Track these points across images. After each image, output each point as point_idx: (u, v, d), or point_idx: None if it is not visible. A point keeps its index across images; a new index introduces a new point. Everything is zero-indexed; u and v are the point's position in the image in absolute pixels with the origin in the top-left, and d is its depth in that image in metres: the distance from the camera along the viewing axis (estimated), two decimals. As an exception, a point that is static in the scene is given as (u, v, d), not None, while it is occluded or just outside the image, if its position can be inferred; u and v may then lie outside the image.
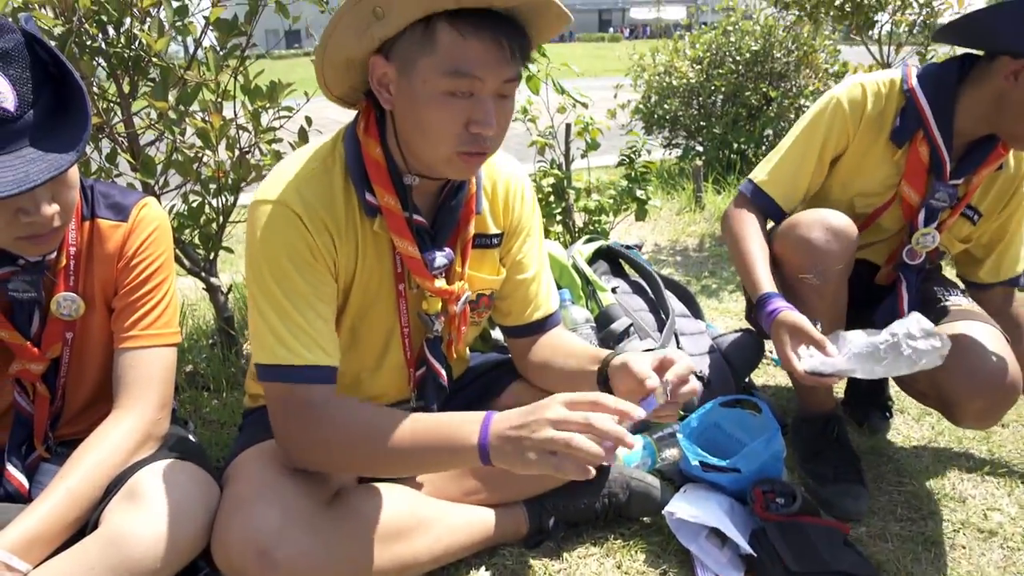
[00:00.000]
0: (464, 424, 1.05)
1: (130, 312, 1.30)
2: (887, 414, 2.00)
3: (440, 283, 1.24)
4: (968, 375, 1.49)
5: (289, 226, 1.12)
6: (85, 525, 1.13)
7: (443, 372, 1.33)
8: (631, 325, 1.81)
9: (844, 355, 1.35)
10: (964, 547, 1.53)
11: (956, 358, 1.47)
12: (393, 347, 1.32)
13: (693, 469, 1.49)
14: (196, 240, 2.14)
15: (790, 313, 1.43)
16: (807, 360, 1.38)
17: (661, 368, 1.14)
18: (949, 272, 1.94)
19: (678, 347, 1.81)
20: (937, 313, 1.66)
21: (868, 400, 2.00)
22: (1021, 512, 1.67)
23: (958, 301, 1.70)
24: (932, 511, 1.63)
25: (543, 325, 1.38)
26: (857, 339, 1.37)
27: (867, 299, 1.73)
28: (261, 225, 1.13)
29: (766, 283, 1.53)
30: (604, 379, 1.22)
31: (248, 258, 1.15)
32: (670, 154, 5.60)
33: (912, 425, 2.01)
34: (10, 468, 1.25)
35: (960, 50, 1.57)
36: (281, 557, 1.07)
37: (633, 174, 2.96)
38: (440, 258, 1.23)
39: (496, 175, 1.34)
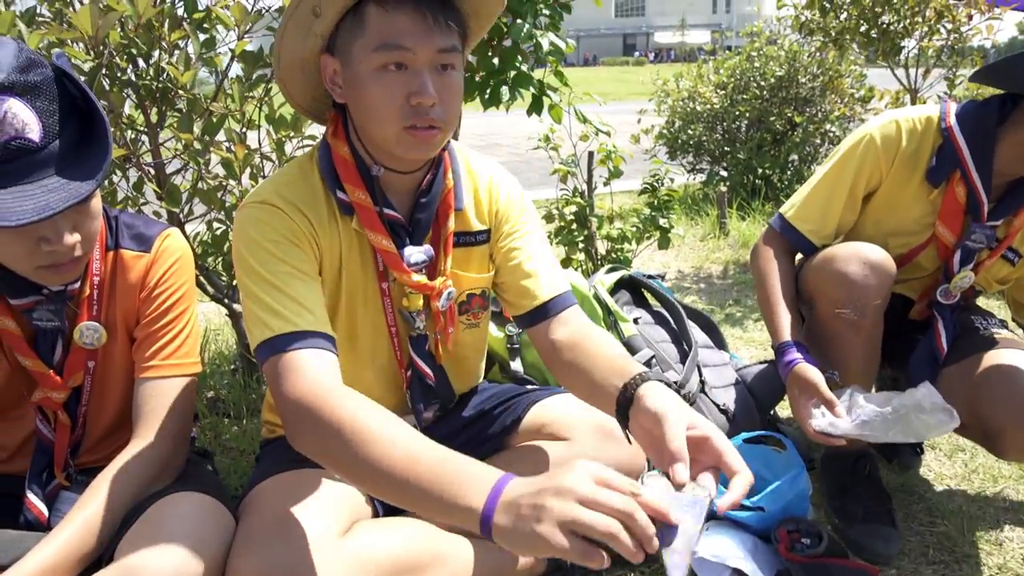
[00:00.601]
0: (473, 476, 0.88)
1: (151, 342, 1.31)
2: (918, 450, 1.94)
3: (418, 277, 1.26)
4: (1013, 405, 1.44)
5: (270, 216, 1.17)
6: (101, 556, 1.13)
7: (429, 371, 1.34)
8: (653, 357, 1.79)
9: (853, 420, 1.37)
10: (1001, 593, 1.48)
11: (1000, 387, 1.44)
12: (382, 347, 1.33)
13: (714, 507, 1.45)
14: (220, 268, 2.16)
15: (805, 367, 1.44)
16: (818, 419, 1.40)
17: (697, 447, 0.94)
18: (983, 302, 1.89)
19: (700, 379, 1.78)
20: (977, 343, 1.62)
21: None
22: (1061, 555, 1.61)
23: (998, 331, 1.66)
24: (966, 554, 1.58)
25: (546, 311, 1.32)
26: (869, 403, 1.38)
27: (899, 332, 1.69)
28: (243, 227, 1.17)
29: (786, 330, 1.54)
30: (625, 405, 1.09)
31: (236, 262, 1.18)
32: (694, 179, 5.58)
33: (944, 462, 1.96)
34: (30, 496, 1.25)
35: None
36: (299, 593, 1.05)
37: (656, 202, 2.95)
38: (417, 254, 1.26)
39: (476, 174, 1.37)
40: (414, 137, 1.12)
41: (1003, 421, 1.46)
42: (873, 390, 1.64)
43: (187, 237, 1.99)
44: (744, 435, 1.62)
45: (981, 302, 1.87)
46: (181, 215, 1.97)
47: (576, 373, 1.25)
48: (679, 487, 0.87)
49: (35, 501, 1.25)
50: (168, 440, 1.27)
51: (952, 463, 1.95)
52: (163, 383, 1.30)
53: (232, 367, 2.35)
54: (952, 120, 1.54)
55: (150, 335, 1.31)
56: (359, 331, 1.32)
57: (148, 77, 1.83)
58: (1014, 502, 1.79)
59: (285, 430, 1.07)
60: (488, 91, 2.26)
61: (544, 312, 1.33)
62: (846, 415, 1.38)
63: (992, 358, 1.54)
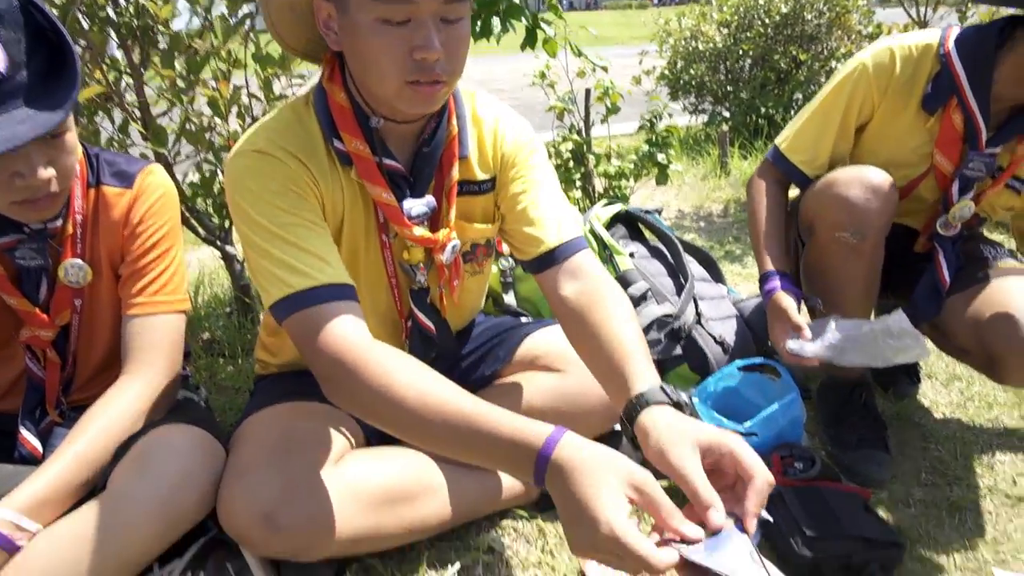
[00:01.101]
0: (528, 427, 0.89)
1: (137, 279, 1.30)
2: (915, 379, 1.94)
3: (420, 231, 1.21)
4: (1016, 330, 1.43)
5: (269, 166, 1.10)
6: (95, 488, 1.14)
7: (430, 325, 1.30)
8: (648, 290, 1.78)
9: (822, 342, 1.40)
10: (990, 512, 1.49)
11: (1003, 314, 1.42)
12: (381, 300, 1.29)
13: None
14: (210, 210, 2.14)
15: (781, 295, 1.49)
16: (791, 341, 1.44)
17: (712, 453, 0.89)
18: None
19: (697, 311, 1.76)
20: (983, 272, 1.59)
21: (896, 366, 1.94)
22: (1052, 478, 1.61)
23: (1006, 260, 1.63)
24: (958, 476, 1.59)
25: (553, 257, 1.24)
26: (842, 329, 1.41)
27: (904, 264, 1.67)
28: (239, 176, 1.11)
29: (771, 260, 1.56)
30: (630, 422, 1.00)
31: (234, 214, 1.12)
32: (696, 120, 5.48)
33: (940, 390, 1.96)
34: (23, 432, 1.27)
35: (1004, 11, 1.49)
36: (284, 521, 1.07)
37: (654, 138, 2.90)
38: (419, 206, 1.20)
39: (480, 120, 1.29)
40: (416, 93, 1.04)
41: (1005, 347, 1.44)
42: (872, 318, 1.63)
43: (176, 180, 1.97)
44: (739, 362, 1.62)
45: (991, 234, 1.83)
46: (169, 156, 1.94)
47: (583, 351, 1.18)
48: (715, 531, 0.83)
49: (28, 437, 1.27)
50: (158, 375, 1.27)
51: (948, 391, 1.95)
52: (151, 320, 1.30)
53: (227, 310, 2.35)
54: (950, 45, 1.49)
55: (136, 272, 1.31)
56: (359, 283, 1.24)
57: (128, 15, 1.78)
58: (1007, 427, 1.79)
59: (321, 385, 1.03)
60: (479, 23, 2.20)
61: (551, 259, 1.24)
62: (817, 338, 1.42)
63: (997, 286, 1.52)
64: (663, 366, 1.73)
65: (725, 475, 0.90)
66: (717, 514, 0.83)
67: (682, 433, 0.90)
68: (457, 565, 1.26)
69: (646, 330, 1.71)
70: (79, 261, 1.27)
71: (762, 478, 0.86)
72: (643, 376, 1.03)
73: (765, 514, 1.33)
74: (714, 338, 1.73)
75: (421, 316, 1.30)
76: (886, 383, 1.91)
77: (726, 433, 0.91)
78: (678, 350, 1.71)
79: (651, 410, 0.97)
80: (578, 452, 0.84)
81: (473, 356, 1.47)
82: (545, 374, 1.40)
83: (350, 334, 1.01)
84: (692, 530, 0.81)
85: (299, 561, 1.14)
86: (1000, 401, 1.90)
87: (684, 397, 0.99)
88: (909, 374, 1.93)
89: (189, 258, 3.06)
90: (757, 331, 1.88)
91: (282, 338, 1.36)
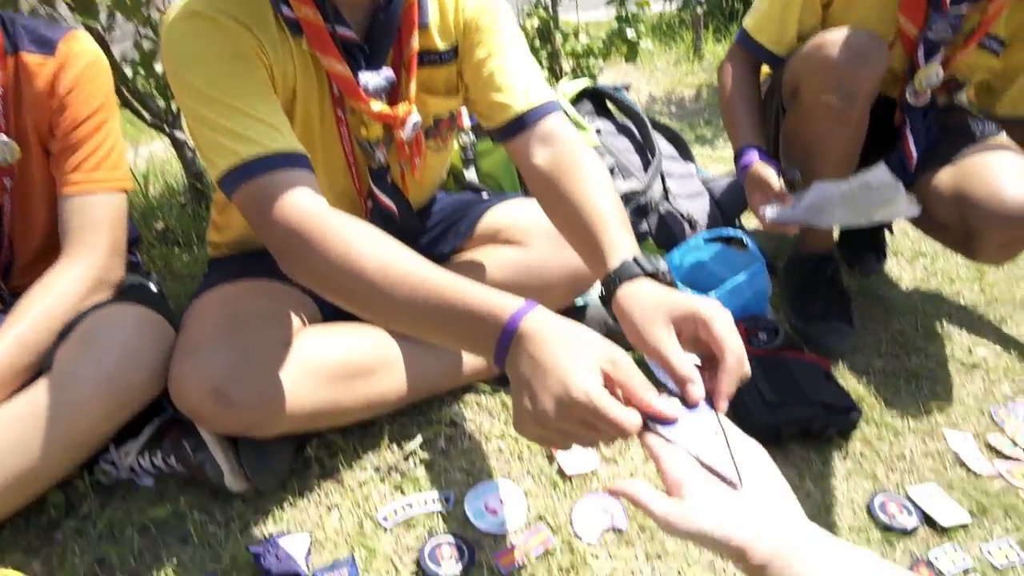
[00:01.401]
0: (495, 298, 0.79)
1: (70, 154, 1.22)
2: (881, 256, 1.94)
3: (378, 106, 1.12)
4: (998, 203, 1.39)
5: (208, 30, 0.99)
6: (40, 371, 1.10)
7: (391, 205, 1.24)
8: (615, 165, 1.72)
9: (803, 204, 1.38)
10: (945, 380, 1.52)
11: (986, 185, 1.39)
12: (339, 177, 1.22)
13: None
14: (154, 91, 2.02)
15: (761, 165, 1.46)
16: (771, 210, 1.42)
17: (688, 323, 0.81)
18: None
19: (664, 188, 1.72)
20: (967, 144, 1.54)
21: (863, 243, 1.93)
22: (1006, 347, 1.64)
23: (995, 135, 1.59)
24: (917, 347, 1.61)
25: (522, 122, 1.15)
26: (822, 188, 1.38)
27: (883, 140, 1.62)
28: (176, 42, 1.00)
29: (744, 135, 1.54)
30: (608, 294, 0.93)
31: (174, 85, 1.02)
32: (671, 6, 5.27)
33: (905, 267, 1.96)
34: (-38, 316, 1.21)
35: None
36: (235, 396, 1.04)
37: (624, 14, 2.76)
38: (376, 79, 1.11)
39: None
40: None
41: (985, 221, 1.41)
42: None
43: (113, 59, 1.84)
44: (704, 234, 1.59)
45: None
46: (102, 30, 1.80)
47: (558, 221, 1.10)
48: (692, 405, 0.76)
49: (-33, 322, 1.21)
50: (99, 257, 1.21)
51: (912, 267, 1.96)
52: (90, 199, 1.22)
53: (181, 199, 2.27)
54: None
55: (68, 147, 1.22)
56: (315, 163, 1.14)
57: None
58: (967, 300, 1.81)
59: (277, 260, 0.94)
60: None
61: (520, 125, 1.15)
62: (797, 203, 1.39)
63: (982, 160, 1.47)
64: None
65: (702, 343, 0.82)
66: (696, 388, 0.75)
67: (656, 307, 0.83)
68: (419, 439, 1.26)
69: (611, 205, 1.67)
70: (3, 137, 1.18)
71: (733, 356, 0.77)
72: (619, 248, 0.95)
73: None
74: (682, 215, 1.69)
75: (382, 196, 1.24)
76: (852, 260, 1.91)
77: (702, 302, 0.82)
78: (644, 226, 1.68)
79: (626, 286, 0.89)
80: (549, 323, 0.75)
81: (433, 232, 1.42)
82: (507, 248, 1.36)
83: (306, 203, 0.91)
84: (666, 405, 0.73)
85: (257, 437, 1.12)
86: (962, 276, 1.91)
87: (662, 265, 0.91)
88: (875, 251, 1.93)
89: (140, 151, 2.92)
90: (727, 210, 1.85)
91: (231, 212, 1.30)
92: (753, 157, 1.49)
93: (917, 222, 1.65)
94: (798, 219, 1.40)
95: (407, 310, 0.84)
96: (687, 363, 0.78)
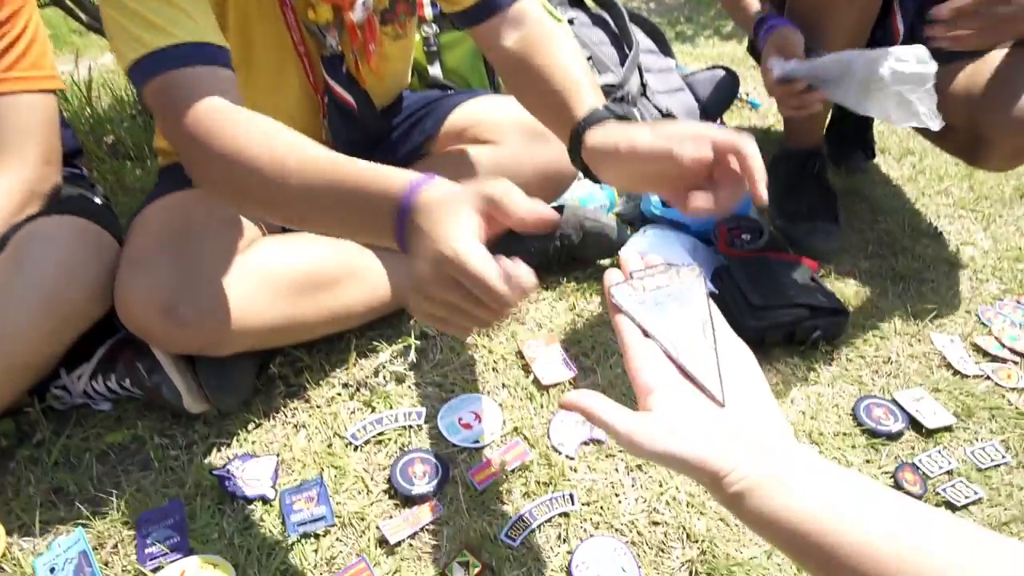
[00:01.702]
0: (391, 173, 0.74)
1: None
2: (869, 154, 1.87)
3: None
4: (1015, 107, 1.31)
5: None
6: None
7: (348, 98, 1.14)
8: (589, 58, 1.61)
9: (816, 64, 1.21)
10: (933, 281, 1.48)
11: (1004, 91, 1.30)
12: (290, 68, 1.11)
13: (653, 207, 1.37)
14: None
15: (790, 30, 1.31)
16: (778, 65, 1.25)
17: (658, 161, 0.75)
18: None
19: (642, 82, 1.62)
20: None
21: (851, 140, 1.85)
22: (994, 246, 1.60)
23: None
24: (904, 247, 1.56)
25: (494, 5, 1.05)
26: (837, 54, 1.21)
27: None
28: None
29: (762, 6, 1.40)
30: (577, 150, 0.89)
31: None
32: None
33: (893, 165, 1.90)
34: None
35: None
36: (188, 314, 0.96)
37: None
38: None
39: None
40: None
41: (997, 127, 1.33)
42: None
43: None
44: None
45: None
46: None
47: (529, 100, 1.04)
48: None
49: None
50: (29, 165, 1.10)
51: (900, 165, 1.89)
52: (12, 101, 1.11)
53: (132, 112, 2.12)
54: None
55: (-25, 44, 1.09)
56: (256, 50, 1.08)
57: None
58: (956, 198, 1.76)
59: (184, 165, 0.86)
60: None
61: (492, 6, 1.05)
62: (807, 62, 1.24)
63: (1004, 62, 1.38)
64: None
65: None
66: (702, 197, 0.71)
67: (631, 138, 0.78)
68: (388, 353, 1.20)
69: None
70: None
71: (744, 143, 0.71)
72: (589, 103, 0.89)
73: (710, 286, 1.29)
74: (660, 111, 1.60)
75: (337, 88, 1.13)
76: (839, 158, 1.84)
77: (670, 138, 0.74)
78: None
79: (596, 128, 0.85)
80: (442, 189, 0.68)
81: (399, 131, 1.31)
82: (477, 147, 1.26)
83: (205, 104, 0.81)
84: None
85: (215, 356, 1.06)
86: (951, 174, 1.85)
87: (634, 112, 0.89)
88: (864, 149, 1.86)
89: (88, 63, 2.73)
90: (706, 105, 1.75)
91: None
92: (781, 20, 1.35)
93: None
94: (807, 74, 1.23)
95: (303, 201, 0.77)
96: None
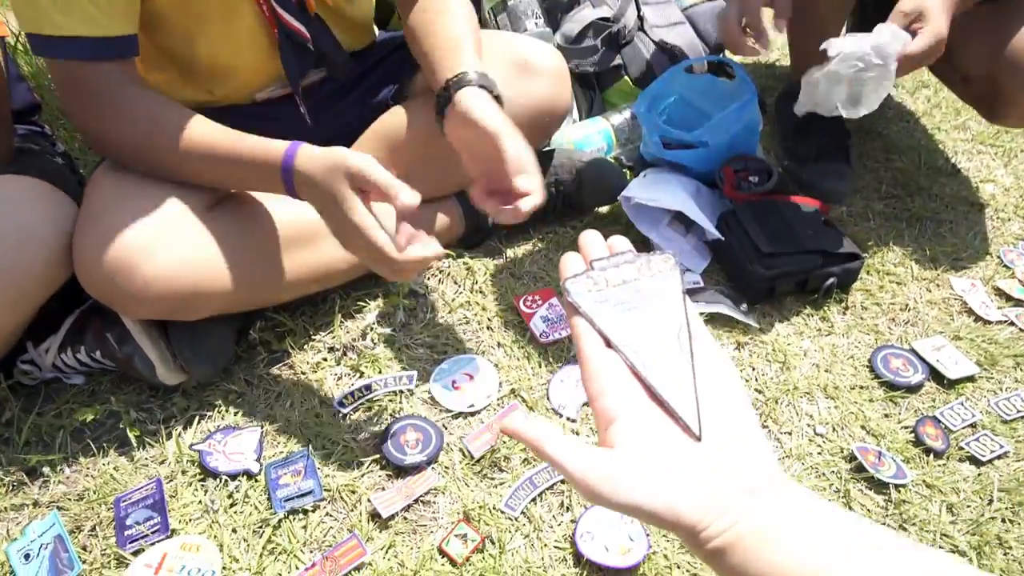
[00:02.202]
0: (269, 143, 0.90)
1: None
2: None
3: None
4: None
5: None
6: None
7: (298, 26, 1.04)
8: (584, -8, 1.50)
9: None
10: (951, 222, 1.40)
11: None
12: (244, 5, 1.01)
13: (654, 148, 1.27)
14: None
15: None
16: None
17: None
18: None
19: (639, 15, 1.50)
20: None
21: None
22: (1016, 183, 1.52)
23: None
24: (920, 187, 1.47)
25: None
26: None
27: None
28: None
29: None
30: (443, 107, 0.96)
31: None
32: None
33: (906, 99, 1.79)
34: None
35: None
36: (152, 273, 0.89)
37: None
38: None
39: None
40: None
41: (1017, 81, 1.24)
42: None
43: None
44: (686, 62, 1.40)
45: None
46: None
47: (415, 41, 1.05)
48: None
49: None
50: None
51: (914, 99, 1.79)
52: None
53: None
54: None
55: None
56: None
57: None
58: (974, 132, 1.67)
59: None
60: None
61: None
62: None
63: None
64: (601, 79, 1.50)
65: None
66: (526, 180, 0.88)
67: (495, 110, 0.91)
68: (376, 313, 1.13)
69: (580, 36, 1.46)
70: None
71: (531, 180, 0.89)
72: (466, 64, 0.96)
73: (715, 232, 1.21)
74: (659, 46, 1.49)
75: (285, 16, 1.03)
76: (849, 93, 1.73)
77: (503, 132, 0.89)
78: (618, 59, 1.48)
79: (467, 90, 0.92)
80: (310, 161, 0.86)
81: (374, 75, 1.21)
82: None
83: (100, 92, 0.91)
84: (409, 196, 0.82)
85: (188, 321, 0.99)
86: (969, 108, 1.75)
87: (502, 92, 0.96)
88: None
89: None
90: (709, 40, 1.64)
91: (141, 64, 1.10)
92: None
93: (936, 71, 1.46)
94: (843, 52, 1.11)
95: (207, 175, 0.94)
96: (531, 159, 0.89)
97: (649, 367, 0.42)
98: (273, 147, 0.88)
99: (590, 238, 0.47)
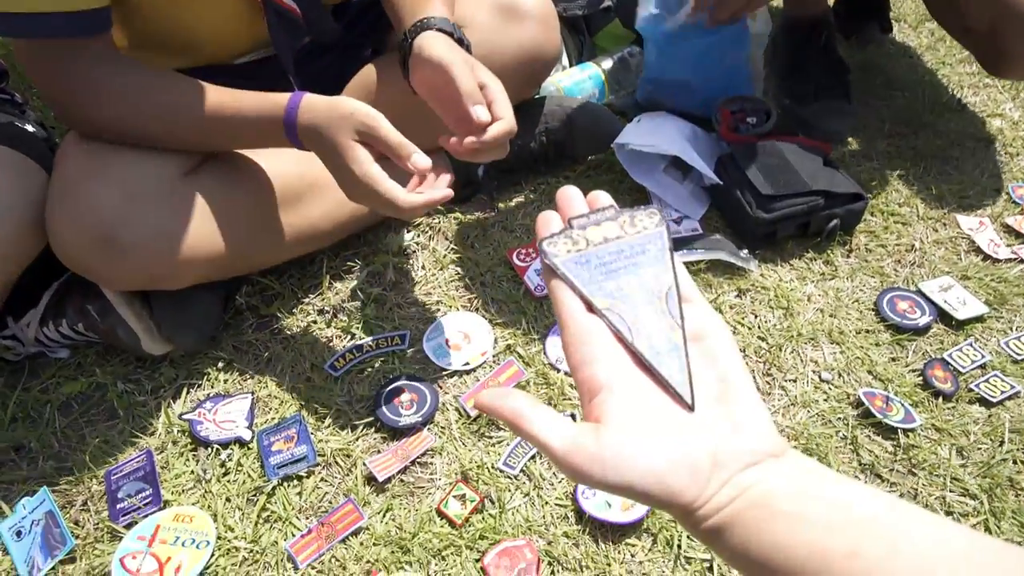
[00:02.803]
0: (269, 97, 0.87)
1: None
2: (885, 26, 1.69)
3: None
4: None
5: None
6: None
7: (291, 4, 0.98)
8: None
9: None
10: (957, 159, 1.35)
11: None
12: None
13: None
14: None
15: None
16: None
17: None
18: None
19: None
20: None
21: (862, 9, 1.68)
22: (1024, 116, 1.47)
23: None
24: (925, 123, 1.42)
25: None
26: None
27: None
28: None
29: None
30: (406, 55, 0.91)
31: None
32: None
33: (909, 34, 1.73)
34: None
35: None
36: (129, 241, 0.85)
37: None
38: None
39: None
40: None
41: (1017, 34, 1.18)
42: None
43: None
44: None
45: None
46: None
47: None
48: (483, 128, 0.83)
49: None
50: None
51: (917, 34, 1.73)
52: None
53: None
54: None
55: None
56: None
57: None
58: (980, 67, 1.60)
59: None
60: None
61: None
62: None
63: None
64: (590, 23, 1.44)
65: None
66: (482, 111, 0.83)
67: (460, 54, 0.87)
68: (365, 273, 1.10)
69: (569, -23, 1.40)
70: None
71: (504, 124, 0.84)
72: (431, 10, 0.92)
73: (713, 177, 1.17)
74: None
75: None
76: (849, 30, 1.67)
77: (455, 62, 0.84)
78: (608, 1, 1.42)
79: (427, 34, 0.88)
80: (313, 110, 0.84)
81: (361, 24, 1.16)
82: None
83: (77, 71, 0.85)
84: (423, 160, 0.82)
85: (171, 290, 0.95)
86: (973, 38, 1.69)
87: (467, 38, 0.92)
88: (879, 19, 1.68)
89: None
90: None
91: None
92: None
93: (938, 17, 1.39)
94: None
95: (202, 138, 0.90)
96: (496, 87, 0.85)
97: (635, 332, 0.38)
98: (274, 100, 0.86)
99: (569, 193, 0.43)
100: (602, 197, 0.43)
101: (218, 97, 0.87)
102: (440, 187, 0.87)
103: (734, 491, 0.33)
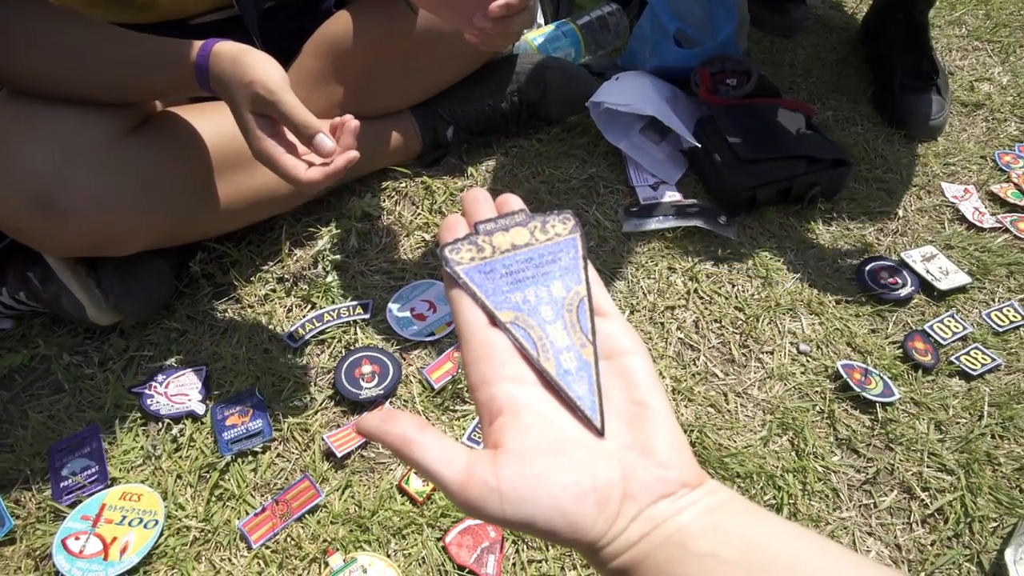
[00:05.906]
0: (183, 41, 0.82)
1: None
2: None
3: None
4: None
5: None
6: None
7: None
8: None
9: None
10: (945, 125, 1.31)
11: None
12: None
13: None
14: None
15: None
16: None
17: None
18: None
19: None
20: None
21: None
22: (1013, 81, 1.43)
23: None
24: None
25: None
26: None
27: None
28: None
29: None
30: None
31: None
32: None
33: (897, -6, 1.67)
34: None
35: None
36: (68, 203, 0.79)
37: None
38: None
39: None
40: None
41: None
42: None
43: None
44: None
45: None
46: None
47: None
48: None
49: None
50: None
51: (906, -6, 1.67)
52: None
53: None
54: None
55: None
56: None
57: None
58: (970, 27, 1.57)
59: None
60: None
61: None
62: None
63: None
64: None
65: None
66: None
67: None
68: (327, 239, 1.04)
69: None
70: None
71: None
72: None
73: (691, 140, 1.12)
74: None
75: None
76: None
77: None
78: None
79: None
80: (220, 62, 0.79)
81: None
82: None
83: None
84: (326, 143, 0.76)
85: (118, 257, 0.90)
86: (964, 0, 1.64)
87: None
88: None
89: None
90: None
91: None
92: None
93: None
94: None
95: (114, 86, 0.83)
96: None
97: (542, 349, 0.35)
98: (188, 43, 0.81)
99: (475, 195, 0.39)
100: (512, 200, 0.38)
101: (123, 35, 0.81)
102: (342, 157, 0.79)
103: (645, 526, 0.29)
